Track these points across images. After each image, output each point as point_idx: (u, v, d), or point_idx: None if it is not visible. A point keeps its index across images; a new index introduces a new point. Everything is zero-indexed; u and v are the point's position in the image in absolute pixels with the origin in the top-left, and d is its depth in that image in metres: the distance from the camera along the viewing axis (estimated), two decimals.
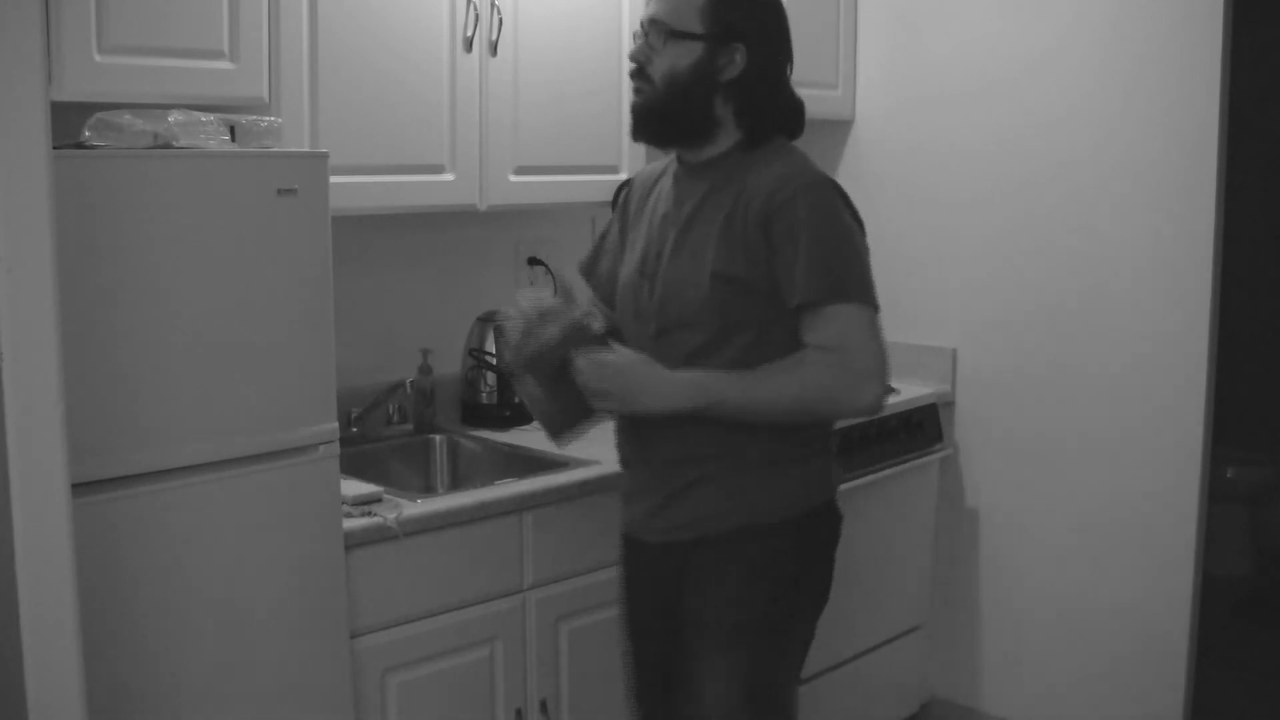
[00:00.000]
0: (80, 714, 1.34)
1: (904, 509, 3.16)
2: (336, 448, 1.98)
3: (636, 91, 1.98)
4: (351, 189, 2.27)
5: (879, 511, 3.06)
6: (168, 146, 1.79)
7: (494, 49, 2.52)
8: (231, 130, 1.90)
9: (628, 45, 2.78)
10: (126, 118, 1.78)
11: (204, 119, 1.86)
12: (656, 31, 1.92)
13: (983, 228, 3.21)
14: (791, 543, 1.99)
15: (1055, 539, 3.14)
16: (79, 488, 1.57)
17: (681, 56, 1.91)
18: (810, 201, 1.89)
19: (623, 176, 2.82)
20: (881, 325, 2.00)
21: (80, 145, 1.73)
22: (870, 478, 2.96)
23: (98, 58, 1.91)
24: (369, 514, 2.08)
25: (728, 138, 1.96)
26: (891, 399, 3.12)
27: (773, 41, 1.97)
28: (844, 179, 3.48)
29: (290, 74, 2.19)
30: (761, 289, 1.91)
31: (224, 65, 2.08)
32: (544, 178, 2.68)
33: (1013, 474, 3.21)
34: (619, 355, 1.92)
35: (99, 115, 1.77)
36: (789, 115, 2.01)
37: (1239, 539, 4.44)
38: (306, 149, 2.19)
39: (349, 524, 2.03)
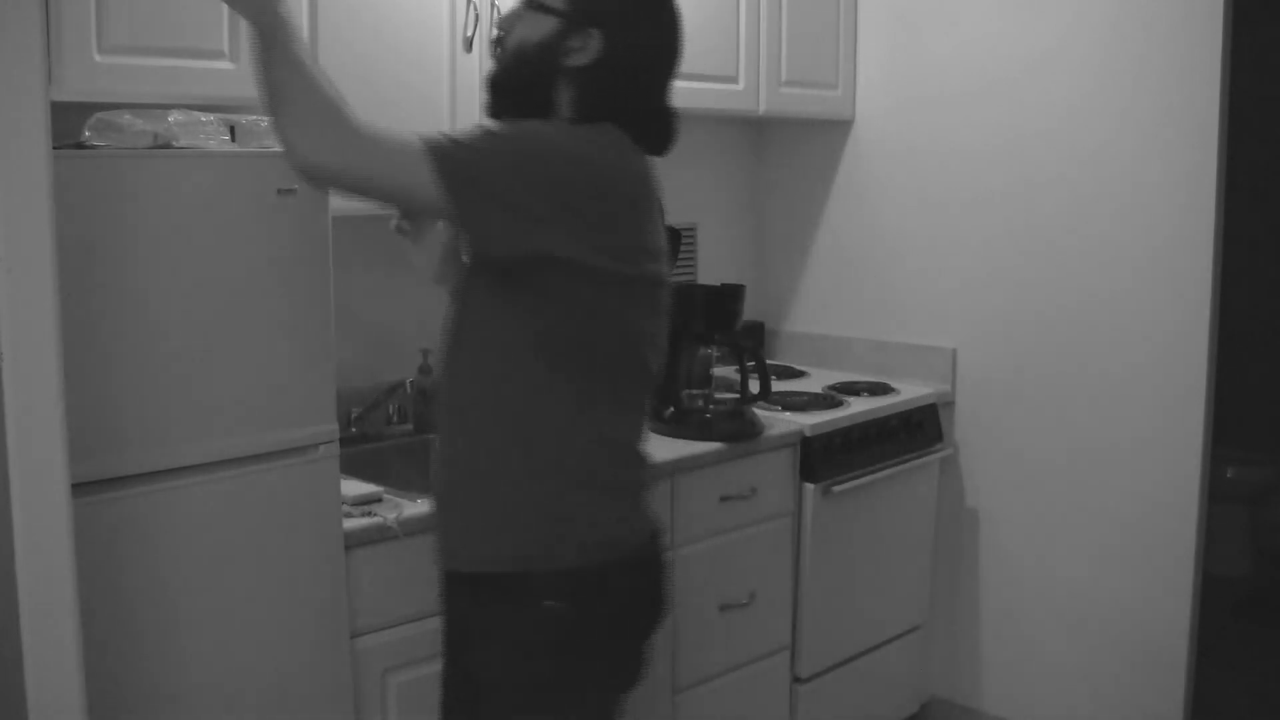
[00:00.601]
0: (80, 714, 1.34)
1: (904, 509, 3.16)
2: (336, 448, 1.98)
3: (494, 61, 1.83)
4: None
5: (879, 511, 3.06)
6: (168, 146, 1.79)
7: (494, 49, 2.52)
8: (231, 130, 1.90)
9: None
10: (126, 118, 1.77)
11: (204, 119, 1.86)
12: (520, 1, 1.80)
13: (983, 228, 3.21)
14: (569, 603, 1.69)
15: (1055, 539, 3.14)
16: (79, 488, 1.57)
17: (534, 30, 1.75)
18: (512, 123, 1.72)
19: None
20: (411, 161, 1.59)
21: (80, 145, 1.73)
22: (870, 478, 2.97)
23: (98, 58, 1.91)
24: (369, 514, 2.08)
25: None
26: (891, 399, 3.13)
27: (638, 36, 1.76)
28: (844, 179, 3.50)
29: None
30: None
31: (224, 65, 2.08)
32: None
33: (1013, 474, 3.21)
34: None
35: (99, 115, 1.77)
36: (638, 120, 1.76)
37: (1239, 539, 4.44)
38: None
39: (349, 524, 2.03)
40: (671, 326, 2.82)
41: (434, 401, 1.89)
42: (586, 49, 1.72)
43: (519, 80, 1.76)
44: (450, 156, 1.59)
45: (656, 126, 1.80)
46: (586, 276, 1.65)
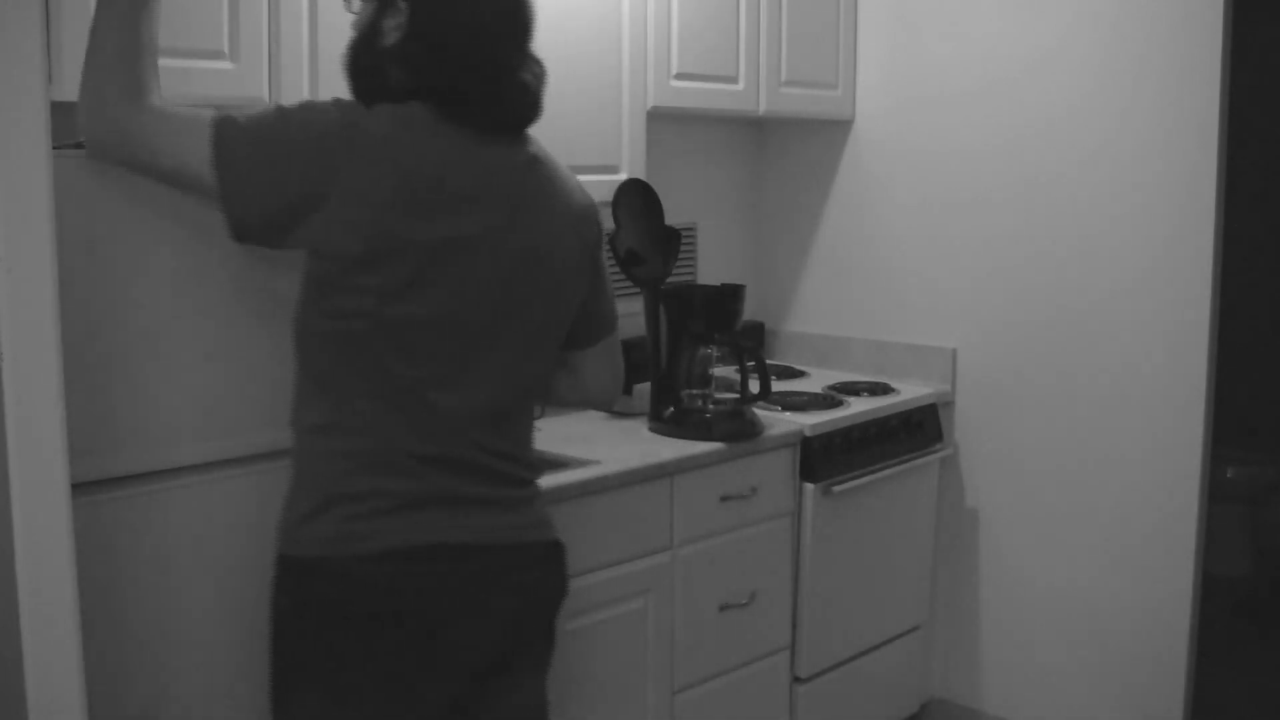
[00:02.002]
0: (80, 714, 1.34)
1: (904, 509, 3.16)
2: None
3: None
4: None
5: (879, 511, 3.06)
6: None
7: None
8: None
9: (628, 44, 2.80)
10: None
11: None
12: (349, 3, 1.77)
13: (983, 228, 3.21)
14: (281, 589, 1.71)
15: (1055, 539, 3.14)
16: (79, 488, 1.57)
17: (360, 16, 1.74)
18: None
19: (622, 176, 2.82)
20: (214, 155, 1.59)
21: (80, 145, 1.73)
22: (870, 478, 2.97)
23: None
24: None
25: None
26: (891, 399, 3.13)
27: (448, 6, 1.68)
28: (844, 179, 3.50)
29: (290, 74, 2.19)
30: None
31: (224, 65, 2.08)
32: None
33: (1013, 474, 3.22)
34: None
35: None
36: (460, 95, 1.67)
37: (1239, 539, 4.44)
38: None
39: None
40: (671, 326, 2.86)
41: None
42: (398, 26, 1.67)
43: (355, 68, 1.73)
44: (229, 130, 1.59)
45: (489, 101, 1.69)
46: (326, 277, 1.64)
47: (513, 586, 1.76)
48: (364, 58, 1.71)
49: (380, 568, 1.66)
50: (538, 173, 1.78)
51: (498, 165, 1.72)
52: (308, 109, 1.67)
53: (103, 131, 1.59)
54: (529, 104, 1.74)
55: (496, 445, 1.77)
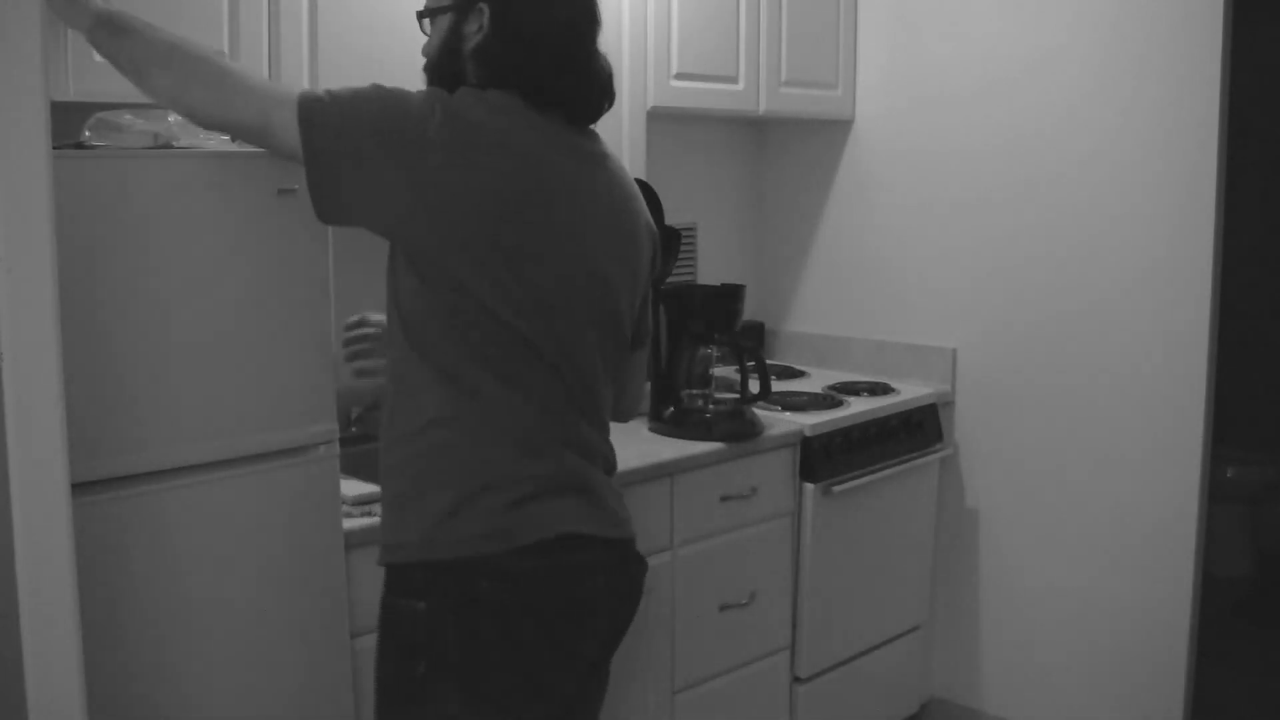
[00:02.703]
0: (80, 714, 1.34)
1: (904, 509, 3.16)
2: (336, 447, 1.98)
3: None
4: None
5: (879, 511, 3.06)
6: (168, 146, 1.79)
7: None
8: None
9: (628, 44, 2.80)
10: (126, 118, 1.77)
11: None
12: (425, 20, 1.79)
13: (983, 227, 3.21)
14: (425, 600, 1.64)
15: (1055, 539, 3.14)
16: (79, 488, 1.57)
17: (436, 35, 1.76)
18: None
19: None
20: (302, 123, 1.61)
21: (80, 145, 1.73)
22: (870, 478, 2.97)
23: (98, 58, 1.90)
24: (369, 514, 2.07)
25: None
26: (891, 399, 3.13)
27: (528, 3, 1.71)
28: (844, 179, 3.50)
29: (290, 74, 2.19)
30: None
31: None
32: None
33: (1013, 474, 3.22)
34: None
35: (99, 115, 1.77)
36: (546, 88, 1.70)
37: (1239, 539, 4.44)
38: None
39: (349, 524, 2.03)
40: (671, 326, 2.85)
41: None
42: (481, 27, 1.70)
43: (437, 76, 1.75)
44: (316, 106, 1.60)
45: (575, 90, 1.73)
46: (434, 259, 1.63)
47: (627, 579, 1.79)
48: (448, 66, 1.73)
49: (535, 561, 1.64)
50: (613, 163, 1.83)
51: (585, 151, 1.76)
52: (402, 96, 1.64)
53: (195, 107, 1.66)
54: (608, 94, 1.78)
55: (603, 429, 1.81)
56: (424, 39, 1.79)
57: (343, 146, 1.60)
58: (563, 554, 1.67)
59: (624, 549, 1.79)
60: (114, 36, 1.64)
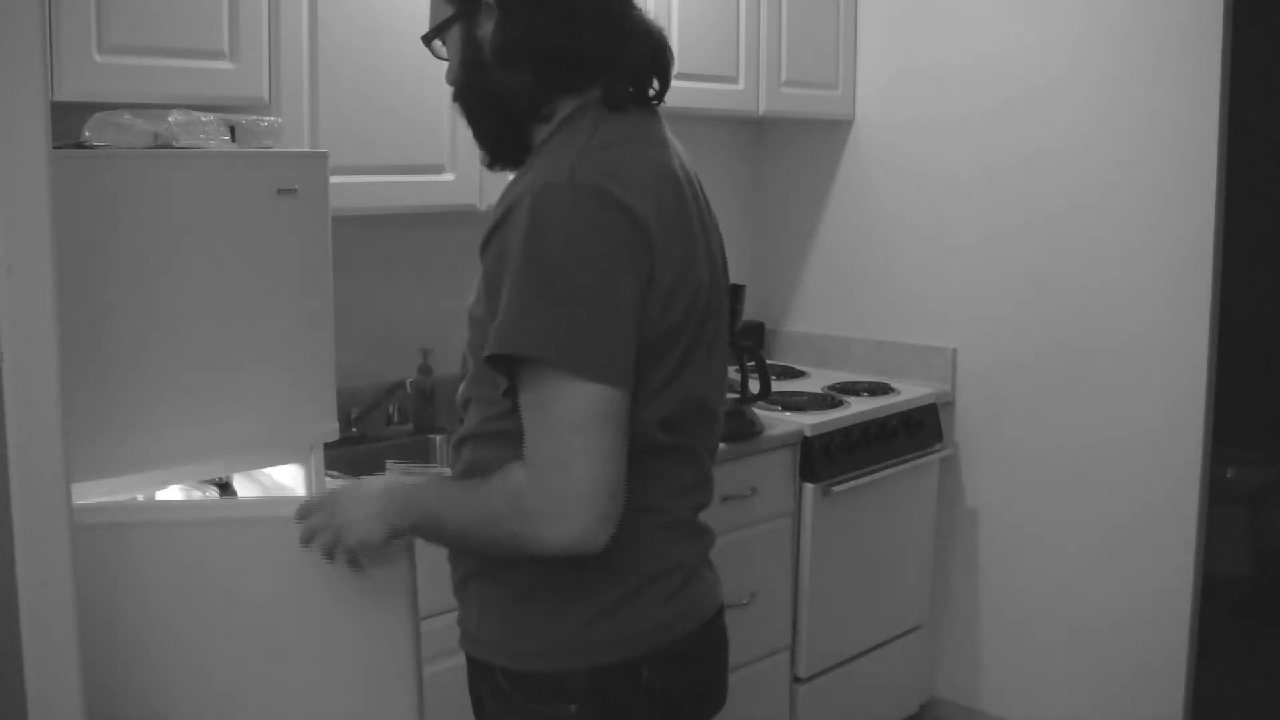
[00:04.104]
0: (80, 713, 1.34)
1: (904, 509, 3.16)
2: (322, 449, 1.97)
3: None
4: (351, 189, 2.27)
5: (879, 511, 3.06)
6: (168, 146, 1.79)
7: None
8: (231, 130, 1.90)
9: None
10: (126, 118, 1.77)
11: (204, 119, 1.86)
12: (435, 44, 1.53)
13: (983, 227, 3.21)
14: (577, 702, 1.43)
15: (1055, 539, 3.14)
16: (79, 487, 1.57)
17: (453, 53, 1.48)
18: (533, 211, 1.32)
19: None
20: (617, 415, 1.32)
21: (80, 145, 1.73)
22: (870, 478, 2.97)
23: (98, 58, 1.91)
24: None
25: (555, 119, 1.45)
26: (891, 399, 3.13)
27: None
28: (844, 179, 3.50)
29: (290, 74, 2.19)
30: None
31: (224, 65, 2.08)
32: None
33: (1013, 474, 3.21)
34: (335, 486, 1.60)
35: (99, 115, 1.77)
36: (601, 52, 1.42)
37: (1239, 539, 4.44)
38: (306, 149, 2.19)
39: None
40: None
41: None
42: (493, 25, 1.43)
43: (470, 94, 1.48)
44: (597, 375, 1.31)
45: (633, 56, 1.45)
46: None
47: (725, 645, 1.63)
48: (479, 83, 1.46)
49: (698, 642, 1.51)
50: (677, 147, 1.55)
51: (667, 139, 1.50)
52: (604, 241, 1.33)
53: (575, 540, 1.33)
54: (668, 51, 1.49)
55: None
56: (440, 65, 1.54)
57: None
58: (716, 625, 1.56)
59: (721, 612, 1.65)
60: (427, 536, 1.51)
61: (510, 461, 1.38)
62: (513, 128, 1.47)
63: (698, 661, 1.52)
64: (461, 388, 1.54)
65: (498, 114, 1.47)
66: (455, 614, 1.56)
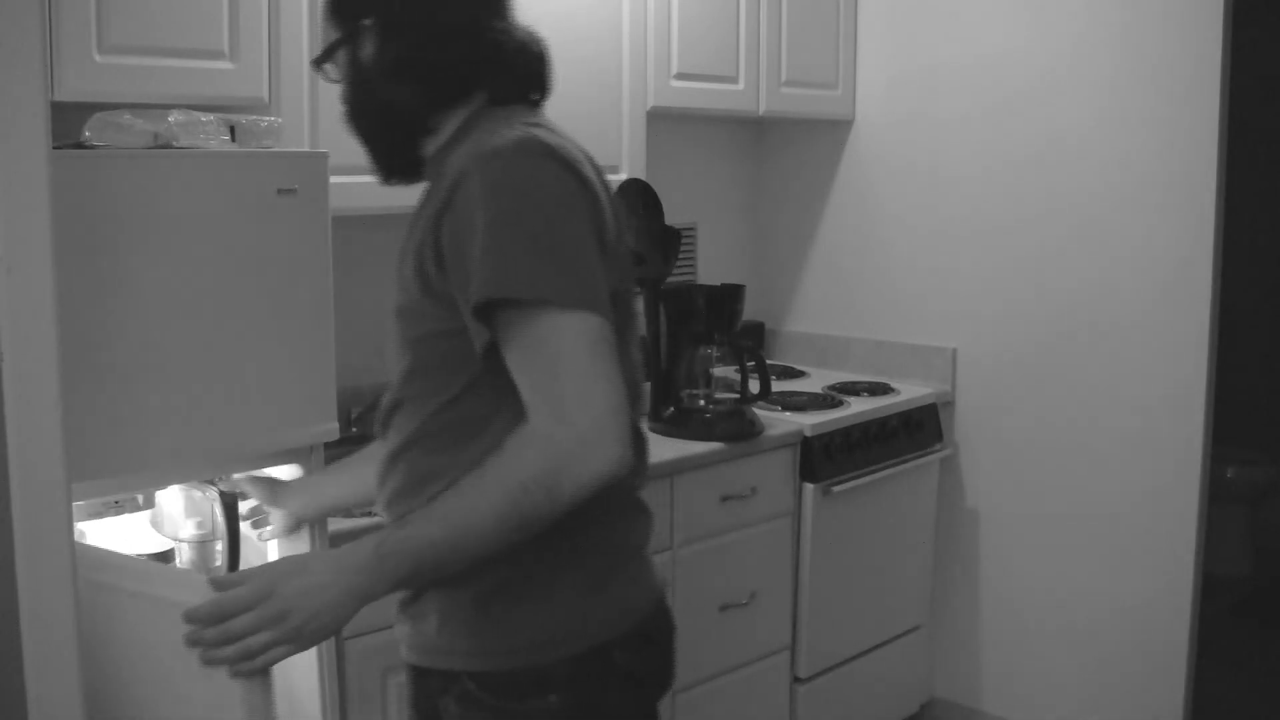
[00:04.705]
0: (80, 714, 1.34)
1: (904, 509, 3.16)
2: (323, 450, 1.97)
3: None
4: (351, 189, 2.26)
5: (879, 511, 3.06)
6: (168, 146, 1.79)
7: None
8: (231, 130, 1.90)
9: (628, 45, 2.80)
10: (126, 118, 1.77)
11: (204, 119, 1.85)
12: (326, 70, 1.56)
13: (983, 227, 3.21)
14: (555, 692, 1.43)
15: (1055, 539, 3.14)
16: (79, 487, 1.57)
17: (342, 75, 1.54)
18: (485, 174, 1.34)
19: (623, 176, 2.82)
20: (610, 341, 1.34)
21: (80, 145, 1.73)
22: (870, 478, 2.97)
23: (98, 58, 1.91)
24: (368, 514, 2.08)
25: (443, 132, 1.50)
26: (891, 399, 3.13)
27: None
28: (844, 179, 3.50)
29: (290, 74, 2.19)
30: (447, 321, 1.40)
31: (224, 65, 2.08)
32: None
33: (1013, 474, 3.21)
34: (252, 574, 1.37)
35: (99, 115, 1.77)
36: (485, 67, 1.48)
37: (1239, 539, 4.44)
38: (306, 149, 2.19)
39: (347, 524, 2.03)
40: (671, 326, 2.85)
41: None
42: (375, 43, 1.48)
43: (362, 113, 1.53)
44: (590, 306, 1.33)
45: (518, 68, 1.51)
46: None
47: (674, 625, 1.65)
48: (364, 98, 1.52)
49: (657, 624, 1.54)
50: None
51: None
52: (564, 190, 1.37)
53: (594, 476, 1.31)
54: (546, 62, 1.55)
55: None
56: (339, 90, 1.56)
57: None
58: (666, 604, 1.58)
59: None
60: (434, 570, 1.35)
61: (471, 460, 1.34)
62: (403, 142, 1.52)
63: (660, 640, 1.55)
64: (386, 397, 1.51)
65: (388, 130, 1.52)
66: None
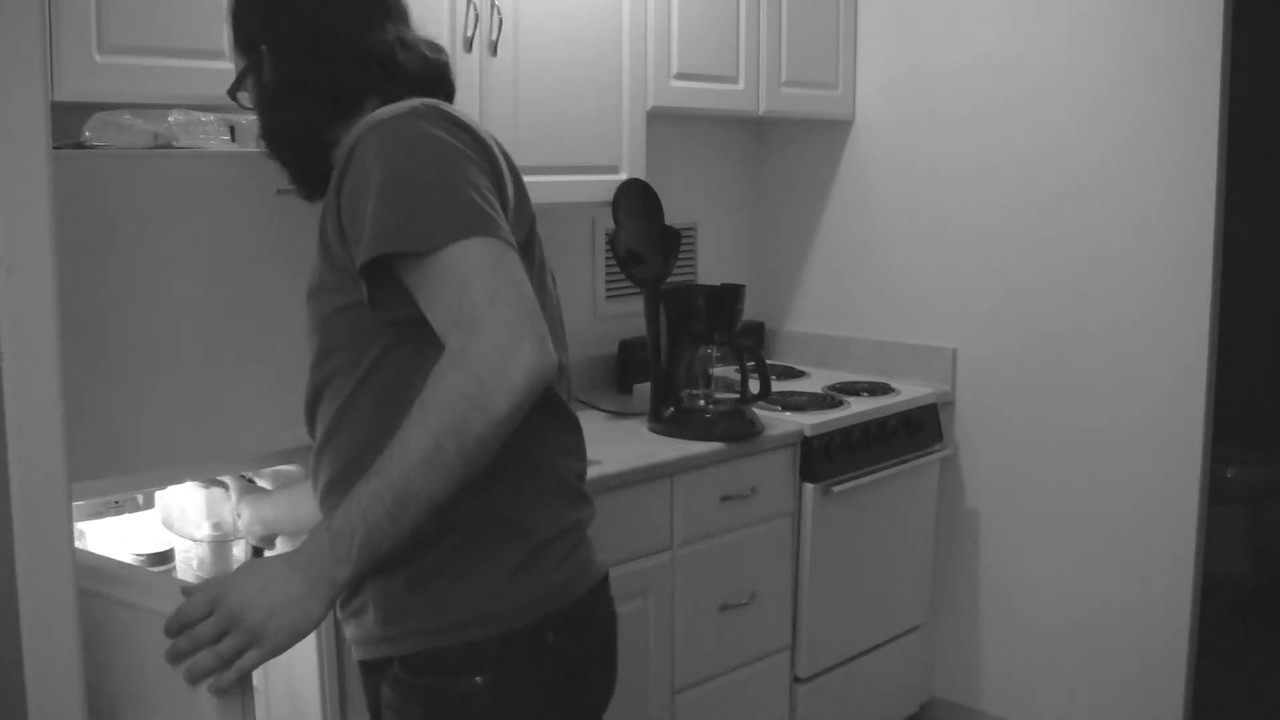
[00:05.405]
0: (80, 714, 1.34)
1: (904, 509, 3.16)
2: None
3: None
4: None
5: (879, 511, 3.06)
6: (168, 146, 1.79)
7: (494, 49, 2.52)
8: (231, 130, 1.90)
9: (628, 45, 2.80)
10: (126, 118, 1.77)
11: (204, 119, 1.86)
12: (240, 98, 1.62)
13: (983, 226, 3.21)
14: (482, 673, 1.43)
15: (1055, 539, 3.14)
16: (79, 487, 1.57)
17: (252, 101, 1.61)
18: (383, 133, 1.39)
19: (623, 176, 2.82)
20: (512, 260, 1.35)
21: (80, 145, 1.73)
22: (870, 478, 2.97)
23: (98, 58, 1.91)
24: None
25: (343, 144, 1.50)
26: (891, 399, 3.13)
27: (287, 15, 1.55)
28: (844, 179, 3.50)
29: None
30: (352, 293, 1.42)
31: (224, 65, 2.07)
32: (544, 177, 2.68)
33: (1013, 474, 3.21)
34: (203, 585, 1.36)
35: (99, 115, 1.77)
36: (373, 78, 1.53)
37: (1239, 539, 4.44)
38: None
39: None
40: (671, 326, 2.85)
41: None
42: (268, 63, 1.55)
43: (275, 135, 1.58)
44: (487, 231, 1.35)
45: (409, 83, 1.54)
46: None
47: (615, 615, 1.65)
48: (270, 120, 1.58)
49: (591, 605, 1.53)
50: None
51: None
52: (453, 140, 1.41)
53: (506, 400, 1.28)
54: (441, 66, 1.61)
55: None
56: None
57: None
58: (605, 591, 1.59)
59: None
60: (384, 541, 1.31)
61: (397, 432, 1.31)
62: (310, 159, 1.56)
63: (595, 626, 1.55)
64: (306, 390, 1.52)
65: (295, 149, 1.57)
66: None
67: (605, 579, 1.59)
